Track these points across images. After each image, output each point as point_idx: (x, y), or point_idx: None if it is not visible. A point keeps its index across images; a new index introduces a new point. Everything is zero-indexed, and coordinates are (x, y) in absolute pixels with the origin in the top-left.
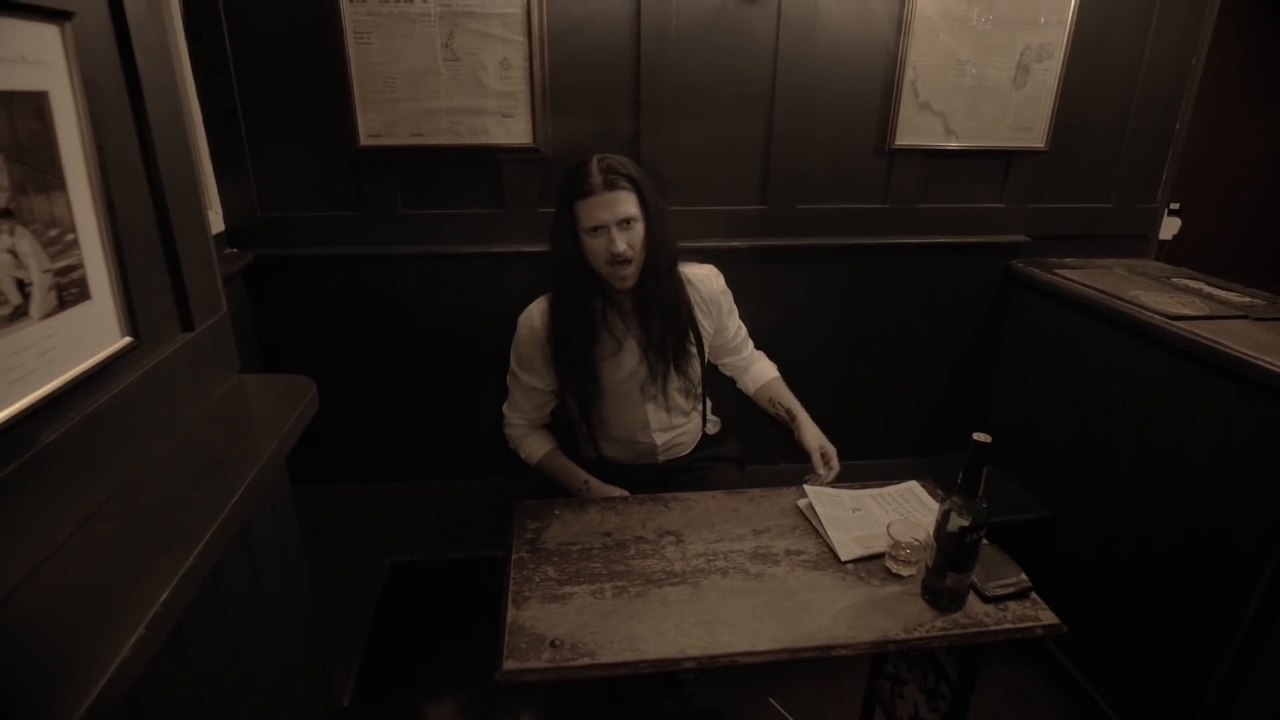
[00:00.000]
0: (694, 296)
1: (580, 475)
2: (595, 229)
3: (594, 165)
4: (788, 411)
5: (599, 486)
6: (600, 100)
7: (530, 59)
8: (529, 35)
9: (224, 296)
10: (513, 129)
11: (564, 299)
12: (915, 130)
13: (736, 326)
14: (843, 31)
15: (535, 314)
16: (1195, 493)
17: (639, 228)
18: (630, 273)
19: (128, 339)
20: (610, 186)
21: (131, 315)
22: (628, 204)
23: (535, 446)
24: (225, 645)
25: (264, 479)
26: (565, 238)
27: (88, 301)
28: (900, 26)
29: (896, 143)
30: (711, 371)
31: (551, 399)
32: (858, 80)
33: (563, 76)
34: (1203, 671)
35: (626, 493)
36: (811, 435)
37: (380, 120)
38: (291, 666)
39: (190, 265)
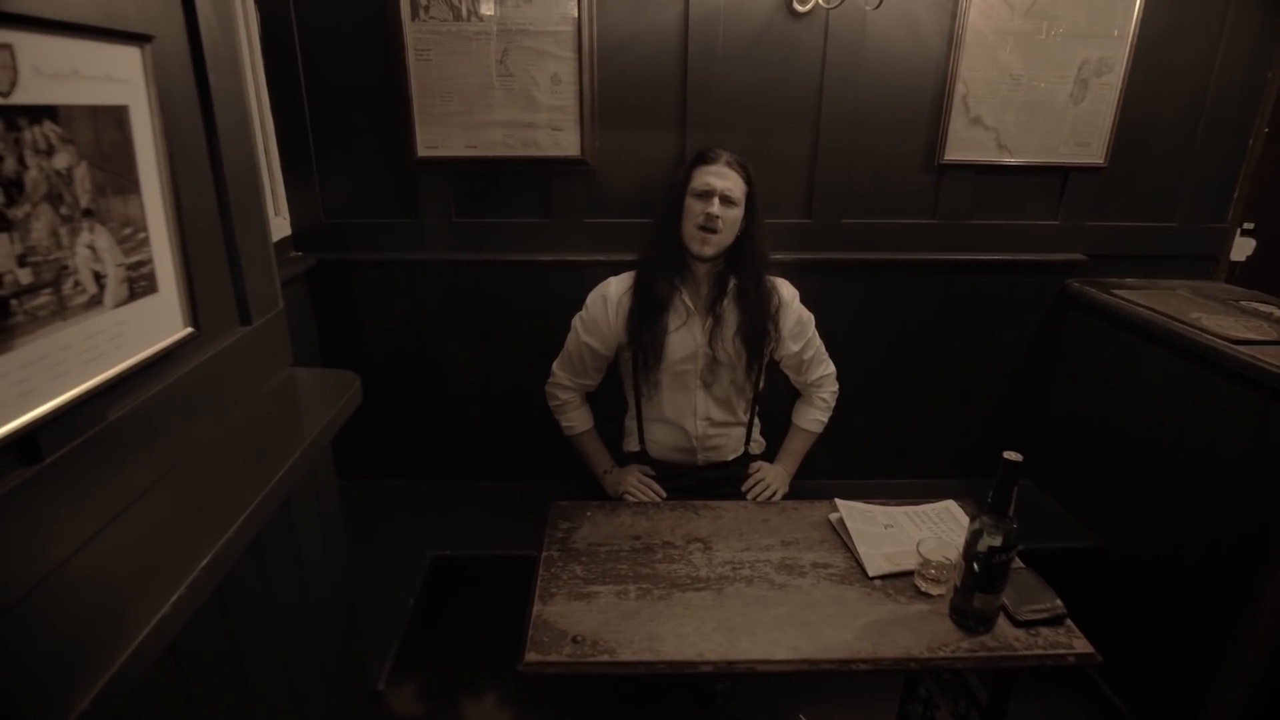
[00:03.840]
0: (776, 301)
1: (608, 461)
2: (701, 193)
3: (724, 150)
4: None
5: (618, 475)
6: (647, 115)
7: (580, 75)
8: (579, 52)
9: (280, 295)
10: (562, 142)
11: (649, 258)
12: (966, 145)
13: (800, 347)
14: (891, 46)
15: (612, 282)
16: (1257, 526)
17: (737, 212)
18: (713, 241)
19: (189, 329)
20: (730, 166)
21: (194, 308)
22: (736, 186)
23: (578, 419)
24: (265, 614)
25: (306, 463)
26: (671, 200)
27: (155, 294)
28: (951, 40)
29: (946, 157)
30: (769, 396)
31: (602, 368)
32: (906, 94)
33: (611, 92)
34: (1252, 713)
35: (641, 483)
36: (769, 466)
37: (437, 133)
38: (329, 643)
39: (250, 264)
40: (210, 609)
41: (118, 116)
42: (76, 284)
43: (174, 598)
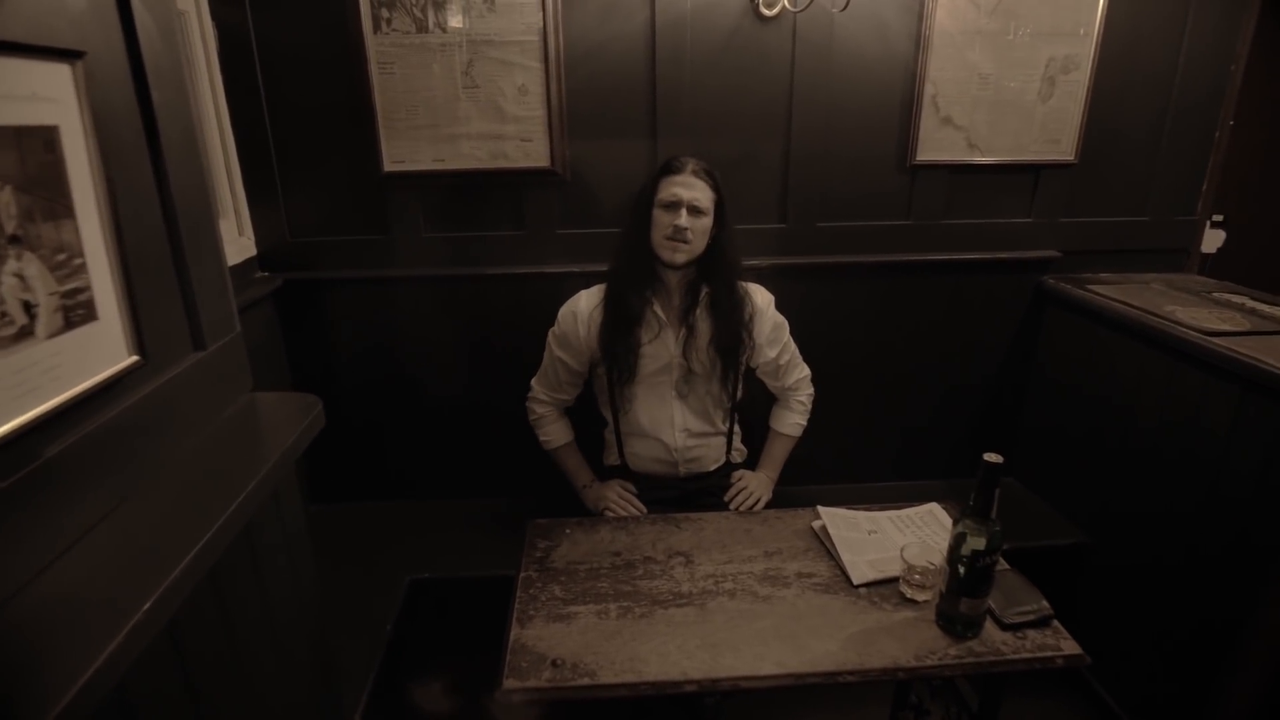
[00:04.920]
0: (749, 309)
1: (587, 475)
2: (669, 204)
3: (690, 158)
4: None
5: (597, 490)
6: (617, 123)
7: (548, 84)
8: (546, 62)
9: (237, 317)
10: (531, 153)
11: (619, 272)
12: (937, 145)
13: (777, 353)
14: (860, 49)
15: (582, 296)
16: (1239, 517)
17: (706, 221)
18: (683, 250)
19: (135, 358)
20: (697, 175)
21: (139, 335)
22: (704, 195)
23: (557, 433)
24: (224, 649)
25: (265, 490)
26: (638, 211)
27: (94, 322)
28: (919, 42)
29: (918, 158)
30: (748, 405)
31: (579, 382)
32: (877, 97)
33: (579, 101)
34: (1249, 709)
35: (620, 497)
36: (751, 474)
37: (404, 147)
38: (298, 677)
39: (203, 287)
40: (162, 648)
41: (46, 137)
42: (3, 314)
43: (110, 647)
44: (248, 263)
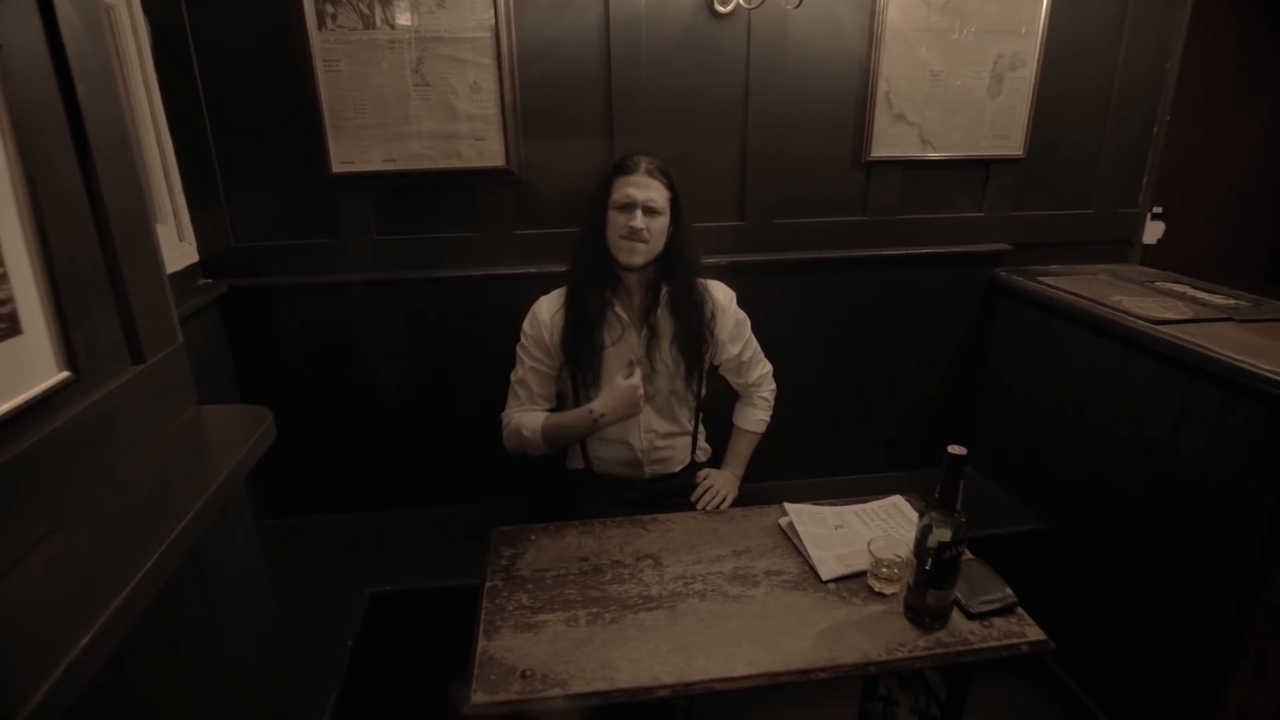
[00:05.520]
0: (710, 306)
1: (583, 411)
2: (623, 205)
3: (643, 157)
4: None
5: (606, 398)
6: (572, 121)
7: (500, 82)
8: (498, 58)
9: (178, 328)
10: (485, 152)
11: (578, 274)
12: (891, 142)
13: (740, 349)
14: (814, 46)
15: (543, 302)
16: (1188, 499)
17: (662, 221)
18: (641, 250)
19: (65, 374)
20: (650, 174)
21: (69, 349)
22: (659, 195)
23: (530, 419)
24: (175, 680)
25: (213, 508)
26: (593, 213)
27: (18, 337)
28: (871, 39)
29: (873, 154)
30: (711, 403)
31: (552, 394)
32: (831, 94)
33: (534, 99)
34: (1204, 683)
35: (635, 387)
36: (717, 472)
37: (352, 147)
38: (257, 702)
39: (140, 296)
40: (106, 681)
41: None
42: None
43: (48, 684)
44: (189, 269)
